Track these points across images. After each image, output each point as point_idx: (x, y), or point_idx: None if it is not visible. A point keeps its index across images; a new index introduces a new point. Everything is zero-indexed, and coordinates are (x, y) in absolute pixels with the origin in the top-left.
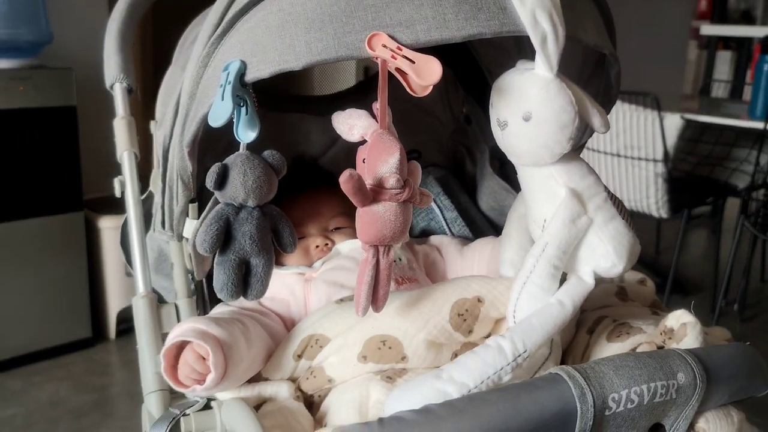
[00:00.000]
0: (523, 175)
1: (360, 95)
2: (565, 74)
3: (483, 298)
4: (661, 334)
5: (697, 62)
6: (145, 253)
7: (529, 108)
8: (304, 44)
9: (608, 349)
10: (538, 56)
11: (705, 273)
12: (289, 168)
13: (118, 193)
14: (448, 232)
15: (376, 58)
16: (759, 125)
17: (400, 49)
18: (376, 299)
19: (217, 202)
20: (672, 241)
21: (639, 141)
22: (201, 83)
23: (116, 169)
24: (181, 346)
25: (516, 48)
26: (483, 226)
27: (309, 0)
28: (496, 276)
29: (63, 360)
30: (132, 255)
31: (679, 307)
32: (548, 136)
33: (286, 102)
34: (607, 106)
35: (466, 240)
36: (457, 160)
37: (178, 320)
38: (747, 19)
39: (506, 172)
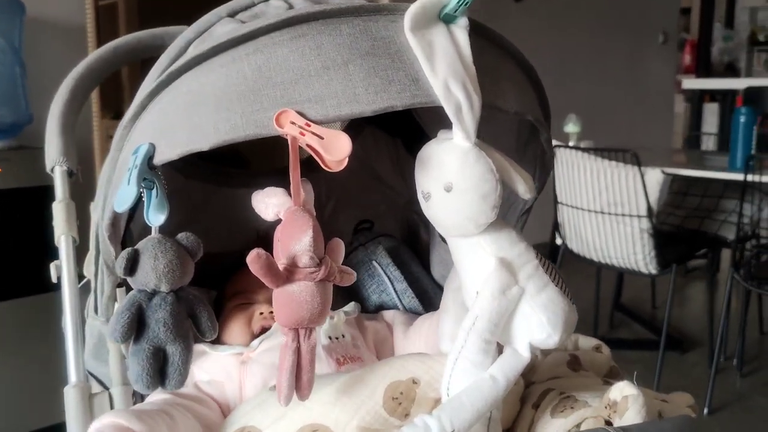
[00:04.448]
0: (452, 246)
1: (309, 167)
2: (503, 140)
3: (418, 379)
4: (606, 407)
5: (685, 115)
6: (79, 341)
7: (449, 179)
8: (211, 124)
9: (551, 425)
10: (455, 126)
11: (703, 328)
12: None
13: (54, 278)
14: (398, 303)
15: (285, 135)
16: (739, 176)
17: (309, 126)
18: (300, 386)
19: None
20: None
21: (622, 197)
22: (117, 167)
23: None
24: None
25: None
26: (435, 296)
27: (218, 79)
28: (434, 350)
29: None
30: (66, 342)
31: (675, 366)
32: (471, 206)
33: (236, 177)
34: (543, 170)
35: (414, 315)
36: (411, 228)
37: (112, 409)
38: (731, 71)
39: None
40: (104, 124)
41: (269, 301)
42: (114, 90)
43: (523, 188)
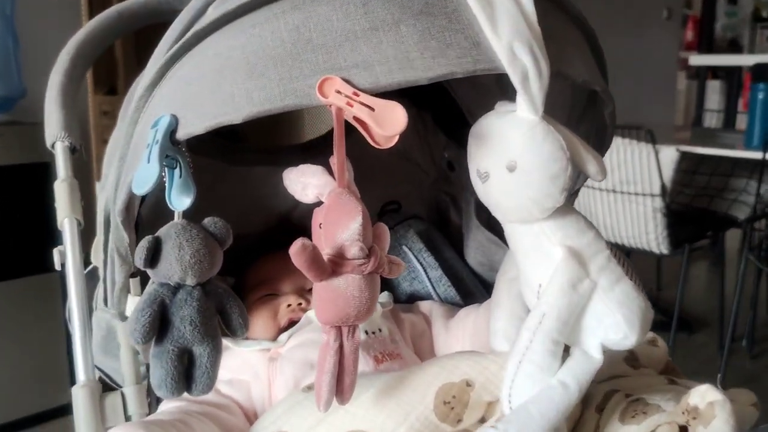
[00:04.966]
0: (511, 233)
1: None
2: (553, 115)
3: (472, 381)
4: (683, 413)
5: (687, 93)
6: (88, 336)
7: (513, 156)
8: (244, 93)
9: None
10: (520, 96)
11: (709, 308)
12: (271, 226)
13: (57, 266)
14: (432, 293)
15: (330, 106)
16: (757, 155)
17: (357, 95)
18: (341, 389)
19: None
20: (672, 276)
21: (635, 176)
22: (132, 143)
23: (86, 232)
24: None
25: (498, 86)
26: (471, 284)
27: (250, 42)
28: (484, 348)
29: (43, 428)
30: (73, 337)
31: (685, 348)
32: (537, 188)
33: (252, 155)
34: (600, 149)
35: (454, 307)
36: (440, 210)
37: (125, 411)
38: (734, 47)
39: (494, 223)
40: (97, 100)
41: (296, 292)
42: (107, 65)
43: (595, 169)
